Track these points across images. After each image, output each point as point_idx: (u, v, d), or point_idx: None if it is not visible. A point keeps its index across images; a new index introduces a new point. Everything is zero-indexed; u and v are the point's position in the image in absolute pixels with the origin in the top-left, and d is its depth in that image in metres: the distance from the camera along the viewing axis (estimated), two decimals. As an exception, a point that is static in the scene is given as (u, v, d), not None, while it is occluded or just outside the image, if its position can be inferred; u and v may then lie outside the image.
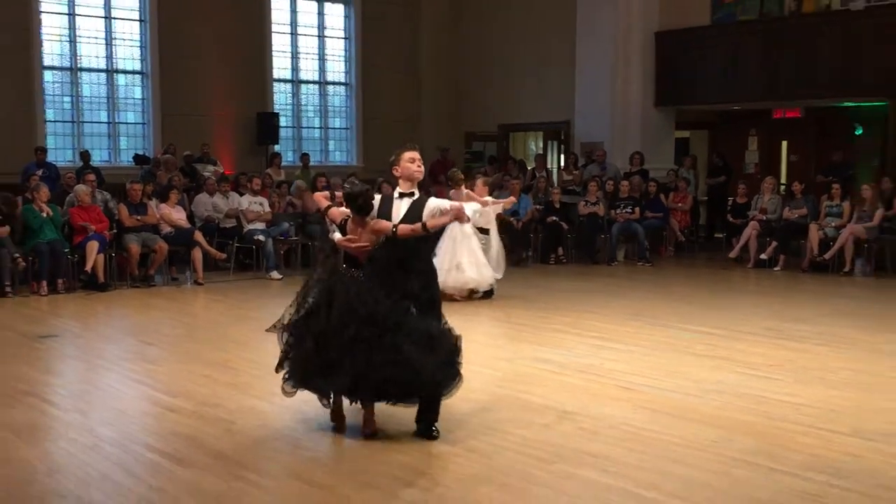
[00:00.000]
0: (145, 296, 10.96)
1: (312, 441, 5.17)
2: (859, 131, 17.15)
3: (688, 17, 15.83)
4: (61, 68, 15.54)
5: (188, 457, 4.91)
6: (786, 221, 13.36)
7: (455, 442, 5.08)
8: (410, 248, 5.16)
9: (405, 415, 5.23)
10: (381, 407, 5.18)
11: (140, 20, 16.05)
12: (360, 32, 18.44)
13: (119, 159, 16.03)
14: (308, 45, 18.16)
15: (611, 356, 7.41)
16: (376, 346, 4.84)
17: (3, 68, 14.51)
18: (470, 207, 5.21)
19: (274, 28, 17.49)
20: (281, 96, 17.81)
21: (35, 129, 14.97)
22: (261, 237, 12.56)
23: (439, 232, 8.48)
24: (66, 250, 11.00)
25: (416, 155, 5.34)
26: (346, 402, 5.25)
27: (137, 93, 16.28)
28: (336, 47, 18.51)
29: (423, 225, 5.08)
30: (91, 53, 15.76)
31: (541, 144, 19.31)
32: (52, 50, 15.38)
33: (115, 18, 15.86)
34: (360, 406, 5.19)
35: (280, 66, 17.73)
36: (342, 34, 18.53)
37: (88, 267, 10.93)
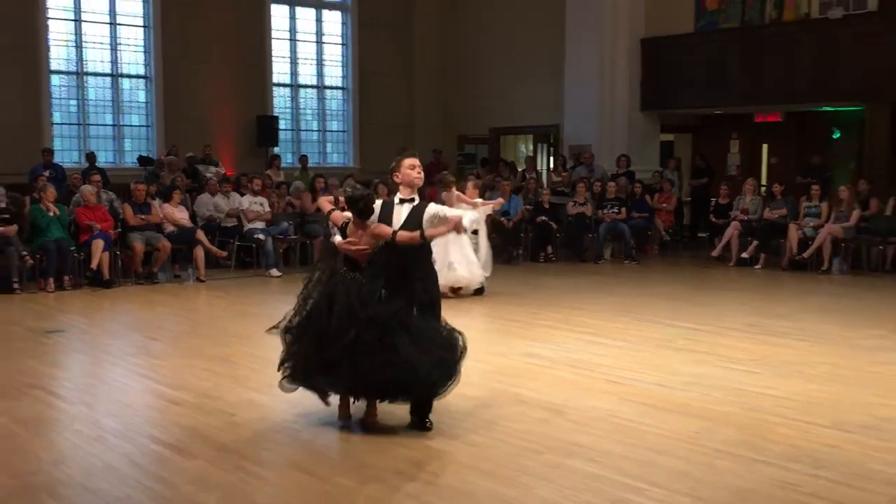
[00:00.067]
0: (149, 292, 11.05)
1: (312, 433, 5.19)
2: (837, 135, 17.21)
3: (672, 25, 16.04)
4: (68, 73, 15.75)
5: (191, 448, 4.94)
6: (766, 221, 13.52)
7: (449, 434, 5.13)
8: (410, 251, 5.15)
9: (403, 409, 5.28)
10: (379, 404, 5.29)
11: (144, 26, 16.28)
12: (357, 39, 18.67)
13: (123, 161, 16.23)
14: (306, 50, 18.41)
15: (599, 351, 7.51)
16: (377, 347, 4.86)
17: (12, 72, 14.70)
18: (467, 218, 5.34)
19: (273, 34, 17.73)
20: (280, 100, 18.05)
21: (42, 131, 15.16)
22: (261, 236, 12.70)
23: None
24: (72, 248, 11.10)
25: (416, 162, 5.38)
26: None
27: (141, 96, 16.49)
28: (334, 53, 18.77)
29: (422, 234, 5.11)
30: (97, 58, 16.00)
31: (531, 147, 19.49)
32: (58, 55, 15.59)
33: (119, 24, 16.08)
34: (360, 401, 5.26)
35: (279, 70, 17.96)
36: (339, 40, 18.79)
37: (94, 264, 11.03)
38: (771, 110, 17.15)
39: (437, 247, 10.37)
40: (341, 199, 5.35)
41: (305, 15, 18.37)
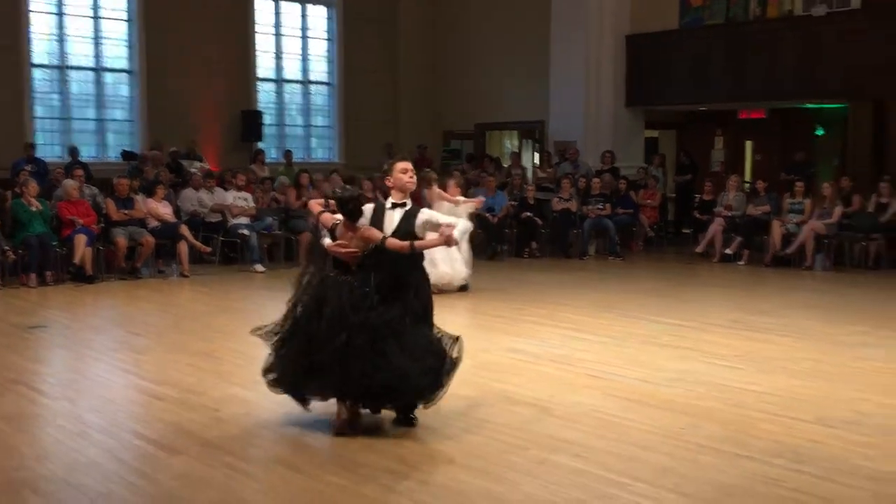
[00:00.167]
0: (132, 288, 10.99)
1: (299, 430, 5.16)
2: (820, 132, 17.42)
3: (657, 21, 16.09)
4: (50, 66, 15.63)
5: (175, 444, 4.94)
6: (749, 218, 13.59)
7: (435, 430, 5.14)
8: (402, 256, 5.08)
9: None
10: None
11: (127, 20, 16.18)
12: (342, 34, 18.63)
13: (106, 155, 16.12)
14: (291, 45, 18.36)
15: (583, 347, 7.54)
16: (368, 352, 4.82)
17: (-7, 66, 14.59)
18: (459, 230, 5.27)
19: (258, 29, 17.66)
20: (265, 95, 17.98)
21: (24, 125, 15.04)
22: (245, 231, 12.68)
23: None
24: (54, 243, 11.05)
25: (408, 166, 5.32)
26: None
27: (125, 91, 16.38)
28: (318, 48, 18.72)
29: (412, 244, 5.05)
30: (79, 52, 15.87)
31: (516, 143, 19.50)
32: (41, 48, 15.44)
33: (102, 18, 15.97)
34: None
35: (264, 65, 17.89)
36: (324, 35, 18.74)
37: (77, 259, 10.98)
38: (755, 107, 17.27)
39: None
40: (331, 201, 5.27)
41: (290, 10, 18.32)
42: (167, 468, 4.62)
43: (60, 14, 15.62)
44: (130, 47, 16.30)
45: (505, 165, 17.17)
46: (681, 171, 17.13)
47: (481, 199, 12.07)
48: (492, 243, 13.93)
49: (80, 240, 11.05)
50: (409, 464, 4.67)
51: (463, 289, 10.50)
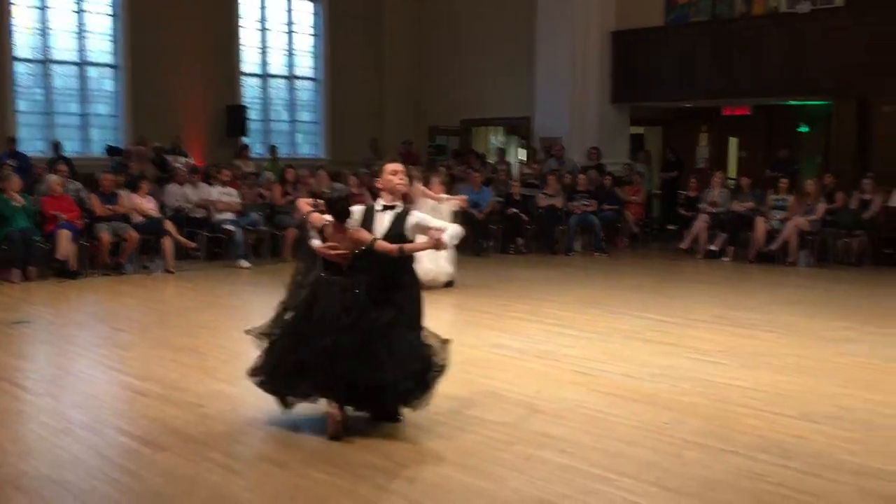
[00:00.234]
0: (116, 283, 10.96)
1: (284, 426, 5.14)
2: (804, 129, 17.59)
3: (643, 18, 16.17)
4: (33, 60, 15.51)
5: (159, 440, 4.93)
6: (734, 214, 13.66)
7: (421, 426, 5.13)
8: (393, 258, 5.03)
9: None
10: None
11: (111, 14, 16.08)
12: (328, 29, 18.60)
13: (90, 150, 16.04)
14: (277, 40, 18.31)
15: (568, 342, 7.57)
16: (355, 353, 4.81)
17: (-25, 60, 14.45)
18: (448, 234, 5.23)
19: (243, 23, 17.61)
20: (250, 90, 17.92)
21: (6, 119, 14.92)
22: (230, 227, 12.66)
23: None
24: (37, 239, 10.99)
25: (398, 167, 5.26)
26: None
27: (109, 85, 16.29)
28: (304, 43, 18.68)
29: (401, 248, 4.99)
30: (63, 46, 15.77)
31: (502, 139, 19.55)
32: (23, 42, 15.33)
33: (86, 12, 15.89)
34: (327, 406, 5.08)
35: (249, 60, 17.84)
36: (310, 30, 18.70)
37: (60, 255, 10.95)
38: (740, 104, 17.34)
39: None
40: (320, 201, 5.22)
41: (276, 5, 18.26)
42: (151, 465, 4.61)
43: (43, 8, 15.51)
44: (114, 41, 16.20)
45: (490, 161, 17.18)
46: (666, 168, 17.23)
47: (464, 197, 11.98)
48: (477, 240, 13.94)
49: (64, 235, 11.02)
50: (395, 460, 4.67)
51: (448, 285, 10.51)
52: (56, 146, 14.70)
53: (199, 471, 4.50)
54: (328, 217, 5.07)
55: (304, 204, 5.41)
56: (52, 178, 11.66)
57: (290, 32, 18.51)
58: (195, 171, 13.79)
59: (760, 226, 13.16)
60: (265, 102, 18.32)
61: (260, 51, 18.08)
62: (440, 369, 5.09)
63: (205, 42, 16.74)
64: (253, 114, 17.74)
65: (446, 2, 19.05)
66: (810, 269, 12.63)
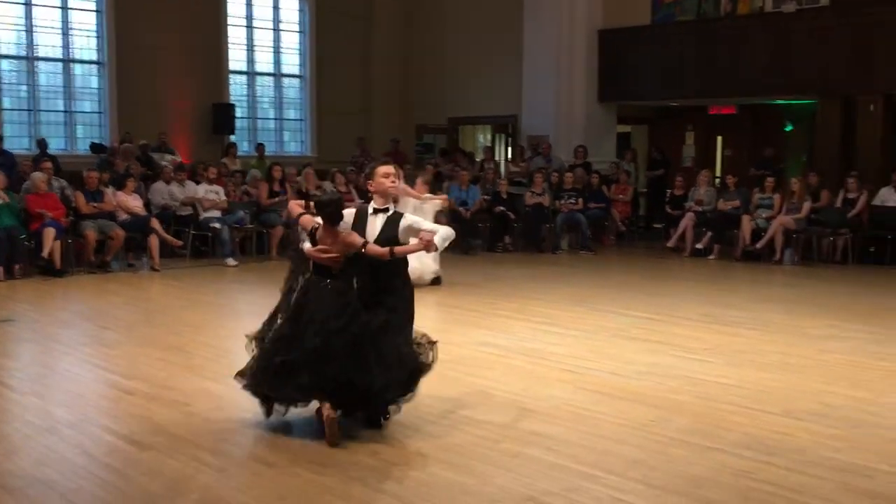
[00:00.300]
0: (102, 281, 10.91)
1: (270, 424, 5.12)
2: (789, 128, 17.67)
3: (629, 17, 16.20)
4: (17, 57, 15.47)
5: (145, 439, 4.91)
6: (720, 213, 13.71)
7: (407, 424, 5.11)
8: (385, 262, 4.99)
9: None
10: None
11: (96, 10, 16.03)
12: (315, 26, 18.58)
13: (76, 148, 16.00)
14: (263, 38, 18.29)
15: (555, 340, 7.57)
16: (344, 356, 4.76)
17: (-41, 57, 14.42)
18: (439, 236, 5.13)
19: (230, 21, 17.57)
20: (237, 87, 17.91)
21: (-9, 117, 14.87)
22: (216, 225, 12.62)
23: None
24: (22, 236, 10.94)
25: (390, 170, 5.20)
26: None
27: (94, 82, 16.25)
28: (291, 41, 18.66)
29: (391, 251, 4.93)
30: (47, 43, 15.72)
31: (489, 137, 19.56)
32: (8, 39, 15.28)
33: (71, 8, 15.82)
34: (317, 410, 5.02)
35: (236, 58, 17.81)
36: (297, 28, 18.68)
37: (45, 253, 10.88)
38: (725, 103, 17.43)
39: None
40: (311, 203, 5.18)
41: (262, 2, 18.24)
42: (137, 463, 4.59)
43: (28, 4, 15.44)
44: (100, 38, 16.15)
45: (478, 160, 17.19)
46: (652, 167, 17.28)
47: (445, 196, 12.00)
48: (465, 238, 13.94)
49: (49, 233, 10.96)
50: (384, 459, 4.67)
51: (436, 282, 10.52)
52: (41, 143, 14.65)
53: (186, 469, 4.49)
54: (318, 219, 5.02)
55: (296, 206, 5.36)
56: (37, 176, 11.59)
57: (276, 30, 18.48)
58: (181, 168, 13.73)
59: (746, 224, 13.21)
60: (252, 100, 18.28)
61: (246, 48, 18.05)
62: (426, 368, 5.08)
63: (191, 39, 16.69)
64: (239, 111, 17.70)
65: (434, 0, 19.02)
66: (795, 267, 12.68)
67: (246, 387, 5.07)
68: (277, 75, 18.66)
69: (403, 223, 5.11)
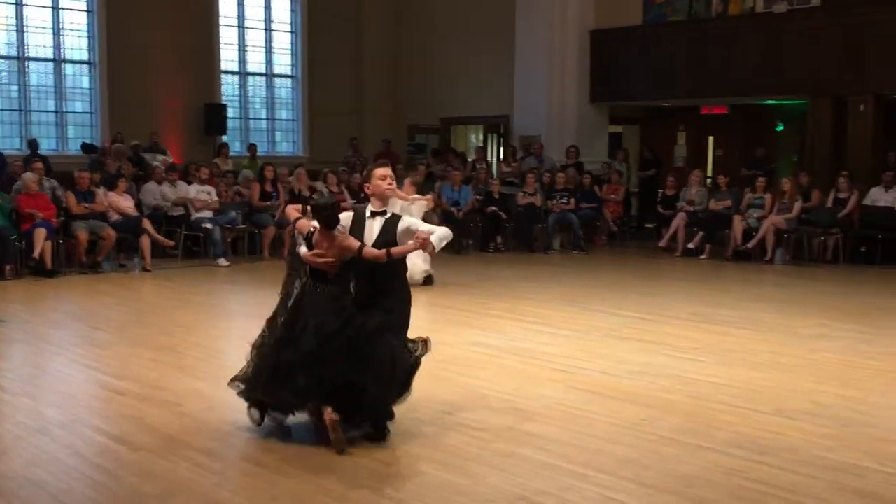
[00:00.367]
0: (93, 282, 10.90)
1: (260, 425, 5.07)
2: (781, 128, 17.72)
3: (621, 17, 16.22)
4: (8, 57, 15.42)
5: (136, 439, 4.90)
6: (711, 212, 13.74)
7: (399, 424, 5.08)
8: (382, 266, 4.94)
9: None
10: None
11: (88, 10, 15.99)
12: (306, 26, 18.57)
13: (67, 148, 15.96)
14: (255, 38, 18.25)
15: (547, 340, 7.60)
16: (343, 359, 4.72)
17: (-50, 57, 14.36)
18: (436, 236, 5.07)
19: (221, 21, 17.54)
20: (228, 88, 17.88)
21: (-18, 117, 14.84)
22: (208, 225, 12.59)
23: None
24: (13, 237, 10.91)
25: (387, 172, 5.14)
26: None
27: (85, 82, 16.20)
28: (282, 41, 18.64)
29: (388, 253, 4.87)
30: (38, 43, 15.68)
31: (481, 137, 19.55)
32: (-1, 39, 15.24)
33: (62, 9, 15.78)
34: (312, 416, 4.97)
35: (227, 58, 17.78)
36: (288, 28, 18.66)
37: (36, 253, 10.85)
38: (717, 103, 17.46)
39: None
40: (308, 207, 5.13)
41: (254, 2, 18.20)
42: (129, 464, 4.58)
43: (19, 4, 15.39)
44: (91, 38, 16.10)
45: (470, 160, 17.21)
46: (644, 167, 17.31)
47: (429, 197, 11.85)
48: (457, 238, 13.93)
49: (40, 233, 10.93)
50: (375, 459, 4.66)
51: (428, 282, 10.52)
52: (32, 144, 14.60)
53: (178, 470, 4.48)
54: (315, 223, 4.97)
55: (293, 211, 5.31)
56: (28, 176, 11.56)
57: (268, 30, 18.45)
58: (173, 169, 13.71)
59: (737, 224, 13.25)
60: (243, 100, 18.26)
61: (238, 48, 18.02)
62: (418, 364, 5.06)
63: (183, 39, 16.65)
64: (231, 111, 17.69)
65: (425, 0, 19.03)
66: (786, 266, 12.71)
67: (241, 393, 5.02)
68: (269, 75, 18.63)
69: (401, 225, 5.07)
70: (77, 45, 16.09)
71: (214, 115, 17.03)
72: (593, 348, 7.33)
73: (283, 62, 18.77)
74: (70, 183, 12.15)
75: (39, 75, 15.87)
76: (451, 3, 18.33)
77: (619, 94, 16.69)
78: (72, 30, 16.00)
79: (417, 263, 10.25)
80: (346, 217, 5.06)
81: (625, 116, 18.55)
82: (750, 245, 13.08)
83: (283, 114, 18.94)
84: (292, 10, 18.68)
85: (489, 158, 18.04)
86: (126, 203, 12.23)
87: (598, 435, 5.07)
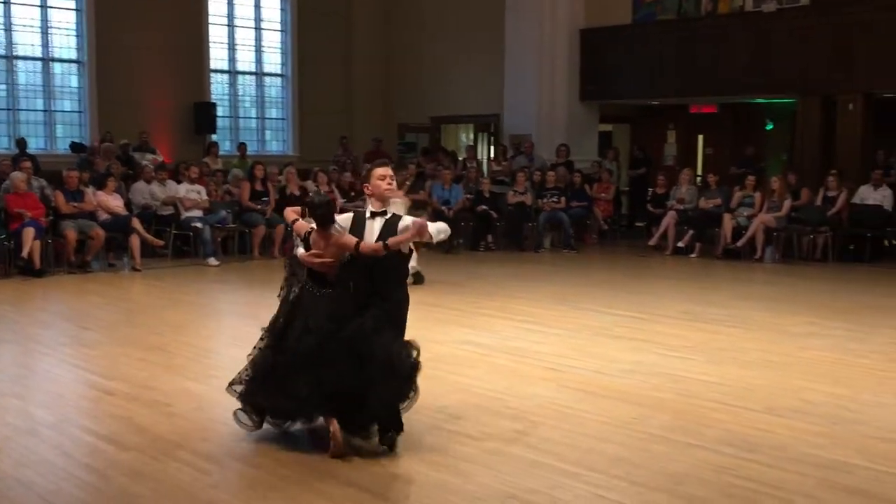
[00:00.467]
0: (82, 282, 10.86)
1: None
2: (770, 127, 17.80)
3: (611, 16, 16.23)
4: (-4, 56, 15.38)
5: (126, 439, 4.89)
6: (701, 211, 13.77)
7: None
8: (382, 267, 4.85)
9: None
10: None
11: (76, 9, 15.93)
12: (296, 25, 18.54)
13: (55, 147, 15.89)
14: (245, 36, 18.22)
15: (537, 339, 7.61)
16: (339, 362, 4.66)
17: (-63, 56, 14.29)
18: (435, 226, 4.99)
19: (211, 19, 17.49)
20: (218, 86, 17.83)
21: (-30, 116, 14.76)
22: (198, 224, 12.55)
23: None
24: (2, 236, 10.90)
25: (387, 171, 5.01)
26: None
27: (74, 81, 16.14)
28: (272, 39, 18.60)
29: (385, 245, 4.77)
30: (27, 42, 15.61)
31: (471, 136, 19.50)
32: (-14, 38, 15.15)
33: (50, 7, 15.71)
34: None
35: (217, 56, 17.73)
36: (278, 26, 18.63)
37: (25, 253, 10.79)
38: (706, 102, 17.51)
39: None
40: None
41: (244, 0, 18.16)
42: (118, 464, 4.57)
43: (7, 3, 15.32)
44: (79, 37, 16.04)
45: (460, 159, 17.21)
46: (634, 165, 17.34)
47: (400, 192, 11.83)
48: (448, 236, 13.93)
49: (29, 233, 10.87)
50: (365, 457, 4.65)
51: (418, 281, 10.44)
52: (20, 143, 14.54)
53: (167, 470, 4.47)
54: (313, 224, 4.93)
55: (291, 213, 5.21)
56: (17, 176, 11.50)
57: (258, 28, 18.41)
58: (163, 168, 13.67)
59: (727, 222, 13.28)
60: (233, 99, 18.22)
61: (228, 47, 17.97)
62: (418, 367, 4.92)
63: (172, 38, 16.60)
64: (221, 110, 17.64)
65: (412, -2, 19.05)
66: (776, 265, 12.75)
67: (240, 396, 4.92)
68: (259, 74, 18.59)
69: (402, 225, 4.98)
70: (66, 43, 16.02)
71: (204, 114, 16.98)
72: (584, 347, 7.34)
73: (273, 61, 18.73)
74: (59, 182, 12.10)
75: (28, 74, 15.79)
76: (441, 1, 18.31)
77: (609, 92, 16.69)
78: (60, 28, 15.93)
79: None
80: (346, 218, 4.99)
81: (615, 115, 18.56)
82: (740, 243, 13.11)
83: (273, 113, 18.90)
84: (282, 9, 18.64)
85: (479, 157, 18.04)
86: (115, 202, 12.18)
87: (589, 433, 5.08)
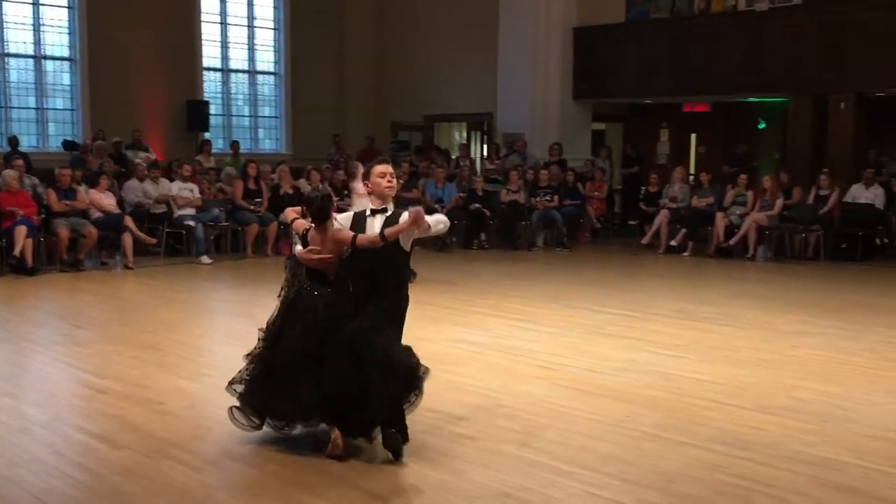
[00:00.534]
0: (75, 280, 10.84)
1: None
2: (762, 125, 17.85)
3: (604, 14, 16.26)
4: (-12, 54, 15.31)
5: (118, 438, 4.88)
6: (694, 209, 13.80)
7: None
8: (381, 263, 4.75)
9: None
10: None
11: (68, 7, 15.87)
12: (289, 23, 18.52)
13: (47, 145, 15.85)
14: (238, 34, 18.19)
15: (531, 337, 7.61)
16: (339, 362, 4.61)
17: (-72, 53, 14.26)
18: (433, 219, 4.91)
19: (204, 17, 17.46)
20: (211, 84, 17.80)
21: (-38, 114, 14.70)
22: (191, 222, 12.55)
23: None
24: (-7, 235, 10.85)
25: (387, 169, 4.90)
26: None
27: (66, 79, 16.08)
28: (265, 37, 18.58)
29: (382, 235, 4.68)
30: (18, 39, 15.55)
31: (465, 135, 19.58)
32: (-22, 36, 15.09)
33: (42, 4, 15.66)
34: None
35: (210, 54, 17.70)
36: (271, 24, 18.60)
37: (17, 251, 10.76)
38: (699, 100, 17.54)
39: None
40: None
41: (236, -2, 18.17)
42: (110, 463, 4.56)
43: (-2, 0, 15.28)
44: (72, 34, 15.99)
45: (453, 157, 17.22)
46: (627, 164, 17.37)
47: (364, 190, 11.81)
48: (440, 235, 13.93)
49: (21, 231, 10.85)
50: (358, 456, 4.65)
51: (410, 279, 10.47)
52: (12, 141, 14.49)
53: (160, 468, 4.47)
54: (309, 222, 4.89)
55: (290, 212, 5.16)
56: (8, 174, 11.46)
57: (251, 26, 18.39)
58: (155, 166, 13.66)
59: (720, 221, 13.31)
60: (226, 97, 18.19)
61: (220, 45, 17.94)
62: (421, 369, 4.91)
63: (165, 35, 16.56)
64: (214, 108, 17.61)
65: (405, -4, 19.04)
66: (768, 263, 12.78)
67: (240, 397, 4.86)
68: (252, 72, 18.56)
69: (402, 220, 4.92)
70: (58, 41, 15.96)
71: (197, 112, 16.94)
72: (577, 345, 7.34)
73: (266, 59, 18.70)
74: (51, 180, 12.07)
75: (19, 72, 15.73)
76: (434, 0, 18.28)
77: (602, 91, 16.72)
78: (52, 26, 15.87)
79: None
80: (346, 217, 4.95)
81: (608, 114, 18.59)
82: (732, 242, 13.15)
83: (265, 111, 18.87)
84: (275, 7, 18.61)
85: (473, 156, 18.05)
86: (108, 200, 12.16)
87: (582, 431, 5.08)
